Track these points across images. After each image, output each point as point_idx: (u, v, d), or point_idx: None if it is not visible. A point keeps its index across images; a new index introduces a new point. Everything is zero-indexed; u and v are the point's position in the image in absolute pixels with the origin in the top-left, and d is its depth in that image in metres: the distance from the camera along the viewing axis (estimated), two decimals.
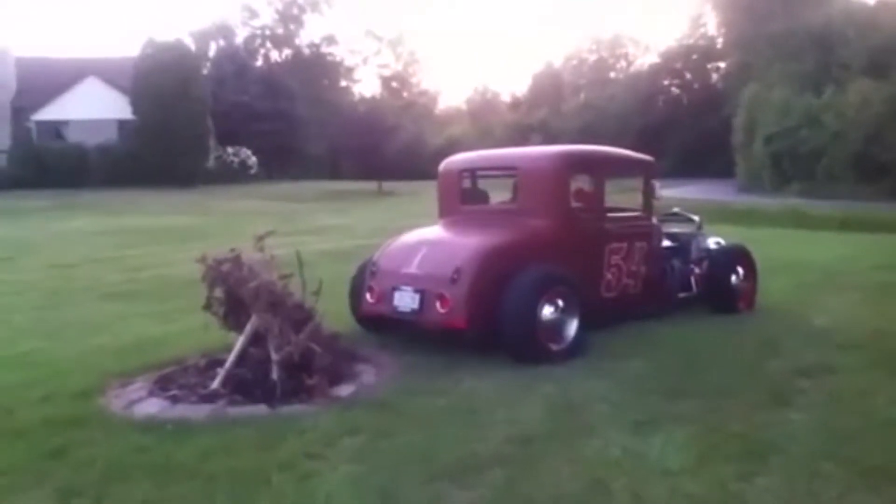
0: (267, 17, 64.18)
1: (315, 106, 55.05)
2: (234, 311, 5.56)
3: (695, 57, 59.43)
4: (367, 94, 69.71)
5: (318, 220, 21.32)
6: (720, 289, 7.80)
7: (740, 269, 7.90)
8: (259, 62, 60.83)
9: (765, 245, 11.32)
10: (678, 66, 60.24)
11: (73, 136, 35.97)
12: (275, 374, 5.16)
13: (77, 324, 7.82)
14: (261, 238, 5.59)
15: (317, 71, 63.43)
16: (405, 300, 6.27)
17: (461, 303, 5.95)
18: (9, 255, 13.70)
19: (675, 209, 8.89)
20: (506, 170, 7.43)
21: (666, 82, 60.92)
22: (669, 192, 9.19)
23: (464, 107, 77.46)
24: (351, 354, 6.00)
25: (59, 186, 30.71)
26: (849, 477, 3.84)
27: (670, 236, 8.04)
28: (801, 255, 12.37)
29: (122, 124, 36.41)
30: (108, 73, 37.47)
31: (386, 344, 6.51)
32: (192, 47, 44.09)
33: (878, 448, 4.22)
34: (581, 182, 7.26)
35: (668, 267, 7.74)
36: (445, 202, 7.54)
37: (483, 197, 7.63)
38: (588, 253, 6.80)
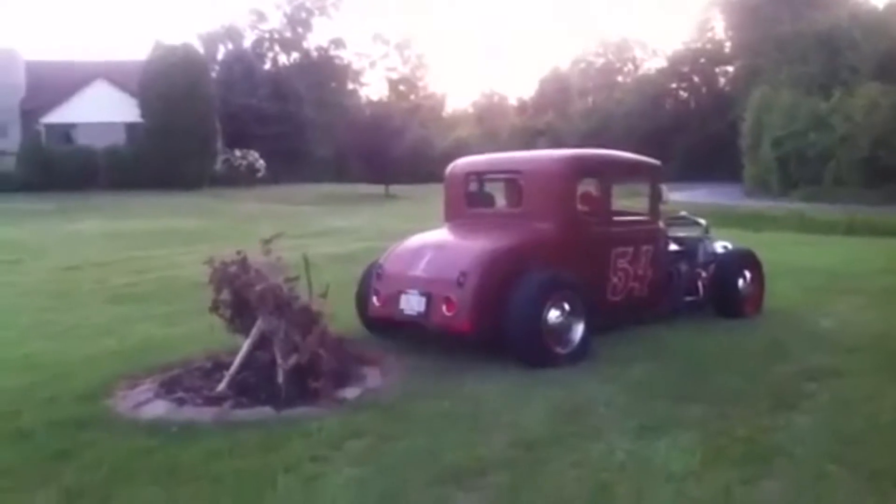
0: (275, 20, 64.40)
1: (322, 109, 55.13)
2: (240, 313, 5.57)
3: (702, 60, 59.40)
4: (375, 97, 70.04)
5: (324, 222, 21.32)
6: (727, 293, 7.77)
7: (747, 273, 7.87)
8: (267, 65, 60.94)
9: (771, 249, 11.29)
10: (685, 69, 60.19)
11: (81, 139, 36.07)
12: (280, 378, 5.17)
13: (83, 326, 7.84)
14: (268, 241, 5.61)
15: (324, 74, 63.52)
16: (411, 303, 6.27)
17: (467, 306, 5.95)
18: (16, 257, 13.74)
19: (682, 213, 8.87)
20: (512, 173, 7.41)
21: (673, 86, 60.87)
22: (676, 196, 9.17)
23: (471, 110, 77.59)
24: (356, 357, 6.00)
25: (67, 189, 30.80)
26: (855, 480, 3.83)
27: (677, 240, 8.03)
28: (807, 259, 12.33)
29: (130, 127, 36.48)
30: (117, 76, 37.59)
31: (392, 347, 6.50)
32: (201, 50, 44.15)
33: (884, 451, 4.21)
34: (587, 186, 7.26)
35: (674, 271, 7.72)
36: (451, 205, 7.54)
37: (489, 200, 7.62)
38: (594, 257, 6.79)
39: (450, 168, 7.72)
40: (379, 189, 36.12)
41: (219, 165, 39.09)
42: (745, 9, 48.62)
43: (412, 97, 70.85)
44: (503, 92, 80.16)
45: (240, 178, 38.72)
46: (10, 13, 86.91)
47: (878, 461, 4.05)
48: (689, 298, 7.83)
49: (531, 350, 5.93)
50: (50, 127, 37.09)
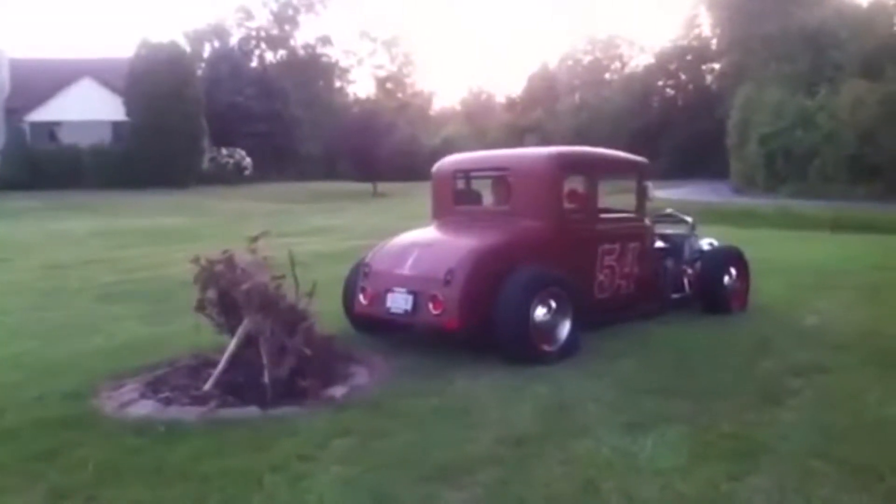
0: (262, 17, 64.10)
1: (310, 107, 55.00)
2: (226, 312, 5.55)
3: (689, 58, 59.53)
4: (362, 94, 69.91)
5: (312, 221, 21.29)
6: (713, 289, 7.82)
7: (733, 270, 7.92)
8: (254, 63, 60.63)
9: (758, 245, 11.35)
10: (672, 66, 60.34)
11: (66, 138, 35.84)
12: (266, 377, 5.15)
13: (70, 325, 7.80)
14: (254, 239, 5.59)
15: (312, 72, 63.33)
16: (398, 302, 6.27)
17: (454, 304, 5.94)
18: (3, 256, 13.67)
19: (669, 210, 8.92)
20: (499, 171, 7.42)
21: (660, 83, 61.00)
22: (663, 193, 9.24)
23: (459, 108, 77.59)
24: (344, 356, 5.99)
25: (53, 188, 30.62)
26: (839, 476, 3.85)
27: (663, 237, 8.06)
28: (793, 255, 12.41)
29: (116, 125, 36.26)
30: (103, 74, 37.33)
31: (379, 345, 6.50)
32: (187, 48, 43.99)
33: (868, 446, 4.23)
34: (574, 183, 7.27)
35: (660, 268, 7.76)
36: (439, 203, 7.55)
37: (476, 198, 7.63)
38: (581, 254, 6.81)
39: (437, 166, 7.72)
40: (367, 187, 36.07)
41: (206, 164, 38.98)
42: (732, 6, 48.75)
43: (400, 95, 70.72)
44: (491, 90, 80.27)
45: (227, 177, 38.63)
46: None
47: (862, 456, 4.08)
48: (675, 295, 7.88)
49: (518, 348, 5.93)
50: (35, 125, 36.76)
